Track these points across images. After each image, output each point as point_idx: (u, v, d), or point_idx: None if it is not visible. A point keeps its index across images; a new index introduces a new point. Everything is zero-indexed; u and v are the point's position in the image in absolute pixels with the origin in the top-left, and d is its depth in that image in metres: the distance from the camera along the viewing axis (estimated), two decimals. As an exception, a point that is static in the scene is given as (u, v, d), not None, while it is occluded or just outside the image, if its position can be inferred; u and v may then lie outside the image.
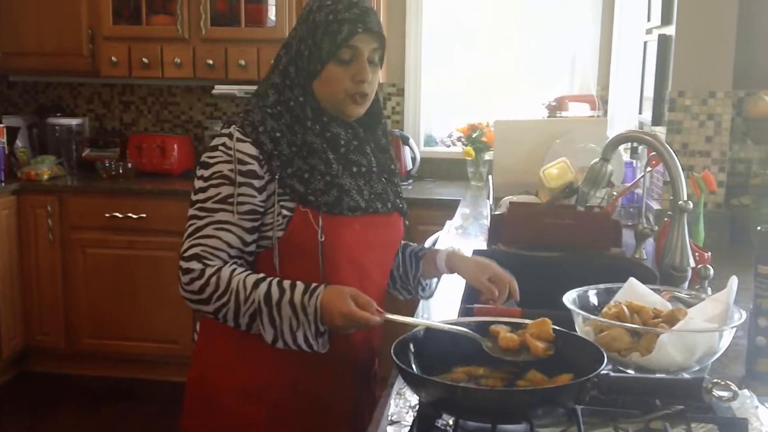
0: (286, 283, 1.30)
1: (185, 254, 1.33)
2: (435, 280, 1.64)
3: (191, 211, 1.35)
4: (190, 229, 1.34)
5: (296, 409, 1.42)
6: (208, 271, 1.31)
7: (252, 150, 1.34)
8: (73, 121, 3.85)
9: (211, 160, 1.35)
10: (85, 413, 3.31)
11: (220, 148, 1.35)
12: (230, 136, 1.35)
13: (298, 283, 1.31)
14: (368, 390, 1.55)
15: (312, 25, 1.37)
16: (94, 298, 3.49)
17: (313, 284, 1.30)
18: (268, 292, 1.29)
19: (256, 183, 1.34)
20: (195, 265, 1.31)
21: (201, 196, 1.35)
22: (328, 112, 1.41)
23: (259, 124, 1.35)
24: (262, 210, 1.36)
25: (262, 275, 1.33)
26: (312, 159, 1.37)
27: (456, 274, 1.56)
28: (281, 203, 1.35)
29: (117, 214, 3.42)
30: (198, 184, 1.36)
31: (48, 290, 3.51)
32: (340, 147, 1.41)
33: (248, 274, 1.32)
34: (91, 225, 3.45)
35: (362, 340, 1.48)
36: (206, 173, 1.35)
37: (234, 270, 1.32)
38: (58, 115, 3.91)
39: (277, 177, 1.35)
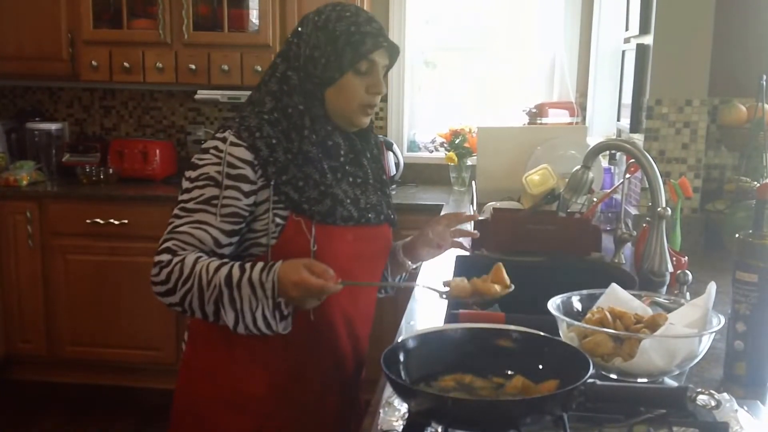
0: (248, 264, 1.30)
1: (158, 249, 1.33)
2: (402, 276, 1.66)
3: (174, 211, 1.36)
4: (168, 227, 1.35)
5: (284, 419, 1.42)
6: (175, 260, 1.30)
7: (246, 155, 1.33)
8: (53, 126, 3.82)
9: (200, 162, 1.35)
10: (67, 421, 3.28)
11: (211, 150, 1.35)
12: (224, 140, 1.35)
13: (259, 262, 1.30)
14: (355, 398, 1.56)
15: (332, 34, 1.38)
16: (76, 305, 3.47)
17: (272, 261, 1.29)
18: (229, 274, 1.28)
19: (245, 187, 1.34)
20: (165, 256, 1.31)
21: (185, 196, 1.35)
22: (330, 122, 1.42)
23: (256, 129, 1.36)
24: (246, 214, 1.35)
25: (226, 260, 1.32)
26: (307, 167, 1.37)
27: (418, 256, 1.60)
28: (275, 211, 1.36)
29: (98, 220, 3.39)
30: (184, 185, 1.36)
31: (28, 297, 3.48)
32: (340, 156, 1.42)
33: (212, 260, 1.30)
34: (71, 231, 3.43)
35: (350, 350, 1.49)
36: (193, 174, 1.35)
37: (199, 257, 1.31)
38: (38, 119, 3.87)
39: (272, 184, 1.35)
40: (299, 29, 1.44)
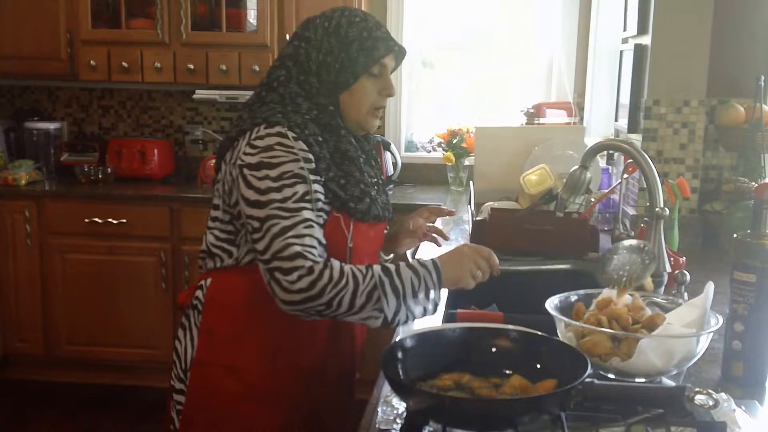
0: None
1: (283, 254, 1.26)
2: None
3: (269, 211, 1.29)
4: (275, 229, 1.28)
5: (309, 411, 1.46)
6: (317, 267, 1.26)
7: (306, 149, 1.34)
8: (51, 125, 3.82)
9: (274, 160, 1.31)
10: (64, 420, 3.28)
11: (276, 147, 1.32)
12: (281, 135, 1.33)
13: None
14: (351, 395, 1.58)
15: (345, 40, 1.41)
16: (74, 304, 3.47)
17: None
18: (385, 268, 1.30)
19: (317, 179, 1.35)
20: (301, 262, 1.26)
21: (277, 195, 1.29)
22: (344, 126, 1.45)
23: (304, 126, 1.36)
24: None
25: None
26: (346, 166, 1.40)
27: (395, 246, 1.67)
28: (320, 206, 1.37)
29: (96, 219, 3.40)
30: (265, 184, 1.30)
31: (26, 296, 3.48)
32: (360, 157, 1.46)
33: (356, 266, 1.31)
34: (70, 230, 3.43)
35: (348, 351, 1.51)
36: (273, 173, 1.30)
37: (341, 263, 1.30)
38: (36, 119, 3.87)
39: (322, 180, 1.36)
40: (306, 34, 1.44)
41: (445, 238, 1.71)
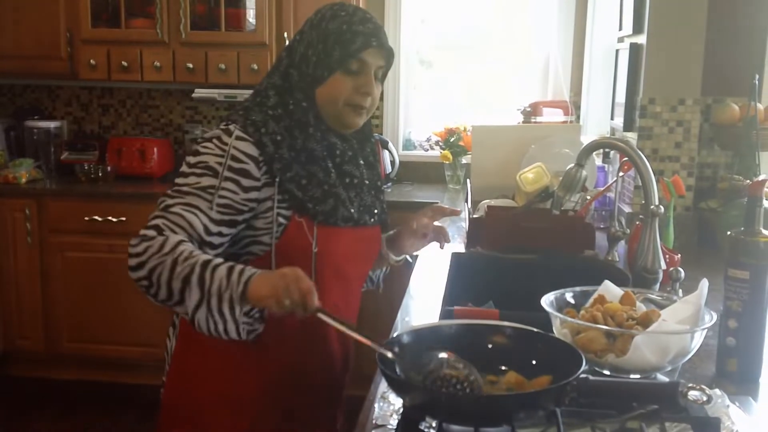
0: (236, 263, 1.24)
1: (147, 224, 1.28)
2: (382, 270, 1.65)
3: (167, 191, 1.32)
4: (159, 206, 1.30)
5: (276, 420, 1.41)
6: (160, 237, 1.24)
7: (252, 150, 1.32)
8: (52, 124, 3.83)
9: (202, 150, 1.33)
10: (64, 417, 3.30)
11: (214, 140, 1.33)
12: (228, 132, 1.33)
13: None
14: (342, 397, 1.55)
15: (324, 32, 1.37)
16: (74, 301, 3.48)
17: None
18: (210, 259, 1.22)
19: (245, 182, 1.31)
20: (151, 232, 1.25)
21: (181, 180, 1.32)
22: (324, 122, 1.40)
23: (262, 125, 1.34)
24: (244, 209, 1.32)
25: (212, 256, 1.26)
26: (311, 166, 1.36)
27: (402, 248, 1.58)
28: (278, 209, 1.34)
29: (96, 217, 3.41)
30: (183, 168, 1.34)
31: (27, 294, 3.50)
32: (336, 156, 1.41)
33: (197, 250, 1.25)
34: (70, 228, 3.44)
35: (339, 348, 1.48)
36: (193, 160, 1.33)
37: (184, 241, 1.25)
38: (36, 117, 3.89)
39: (277, 181, 1.33)
40: (303, 27, 1.44)
41: (447, 240, 1.62)
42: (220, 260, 1.22)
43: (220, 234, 1.31)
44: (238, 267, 1.21)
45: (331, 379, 1.49)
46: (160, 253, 1.22)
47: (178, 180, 1.33)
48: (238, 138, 1.32)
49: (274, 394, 1.40)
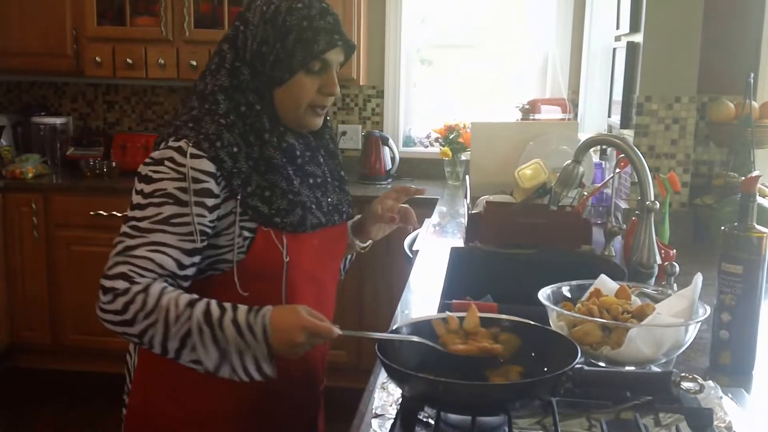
0: (226, 304, 1.18)
1: (109, 272, 1.18)
2: (347, 258, 1.59)
3: (123, 228, 1.21)
4: (119, 247, 1.19)
5: None
6: (135, 288, 1.15)
7: (209, 167, 1.21)
8: (58, 120, 3.88)
9: (155, 175, 1.20)
10: (71, 408, 3.34)
11: (166, 163, 1.20)
12: (180, 150, 1.21)
13: (239, 305, 1.19)
14: (318, 407, 1.50)
15: (281, 29, 1.26)
16: (79, 294, 3.52)
17: (256, 306, 1.18)
18: (208, 311, 1.15)
19: (209, 202, 1.21)
20: (120, 284, 1.16)
21: (138, 213, 1.20)
22: (282, 123, 1.31)
23: (216, 138, 1.22)
24: (210, 231, 1.23)
25: (195, 296, 1.19)
26: (271, 175, 1.27)
27: (368, 234, 1.53)
28: (241, 224, 1.25)
29: (101, 212, 3.45)
30: (136, 199, 1.21)
31: (33, 287, 3.54)
32: (297, 158, 1.32)
33: (181, 293, 1.18)
34: (75, 223, 3.49)
35: (320, 357, 1.44)
36: (147, 189, 1.20)
37: (165, 288, 1.17)
38: (43, 114, 3.93)
39: (238, 198, 1.23)
40: (247, 15, 1.31)
41: (415, 225, 1.53)
42: (216, 310, 1.16)
43: (193, 264, 1.23)
44: (243, 320, 1.15)
45: (312, 387, 1.44)
46: (144, 310, 1.15)
47: (134, 213, 1.20)
48: (193, 156, 1.20)
49: (251, 409, 1.33)
